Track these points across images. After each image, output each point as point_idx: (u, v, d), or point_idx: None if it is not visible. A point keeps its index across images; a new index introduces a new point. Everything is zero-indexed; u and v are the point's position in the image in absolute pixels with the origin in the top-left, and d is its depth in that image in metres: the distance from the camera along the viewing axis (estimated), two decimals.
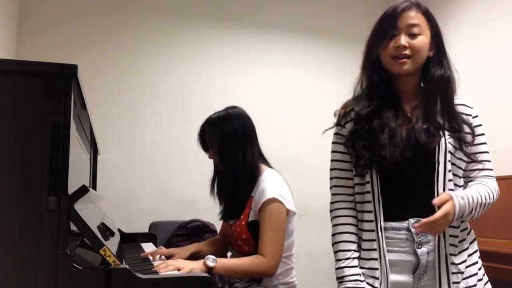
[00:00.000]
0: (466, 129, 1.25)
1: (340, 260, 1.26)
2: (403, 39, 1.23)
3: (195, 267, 1.46)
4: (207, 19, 3.41)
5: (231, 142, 1.69)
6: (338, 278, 1.26)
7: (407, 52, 1.23)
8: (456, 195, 1.17)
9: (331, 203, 1.34)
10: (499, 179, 1.31)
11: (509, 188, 2.33)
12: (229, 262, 1.59)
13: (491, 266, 2.18)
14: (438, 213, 1.13)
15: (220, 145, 1.71)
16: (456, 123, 1.24)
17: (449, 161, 1.22)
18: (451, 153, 1.23)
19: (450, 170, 1.22)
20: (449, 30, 3.16)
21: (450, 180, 1.23)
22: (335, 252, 1.29)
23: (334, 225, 1.32)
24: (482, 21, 3.07)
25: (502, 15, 2.93)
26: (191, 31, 3.36)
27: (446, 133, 1.23)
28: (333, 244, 1.30)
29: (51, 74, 1.17)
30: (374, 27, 1.30)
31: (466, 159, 1.26)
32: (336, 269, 1.27)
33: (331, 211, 1.34)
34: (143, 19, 3.24)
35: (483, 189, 1.24)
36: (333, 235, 1.31)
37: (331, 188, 1.35)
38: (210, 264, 1.48)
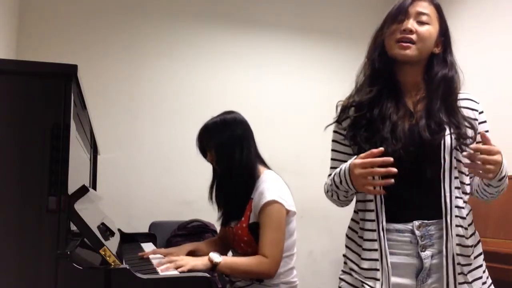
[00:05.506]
0: (467, 125, 1.22)
1: (332, 177, 1.25)
2: (411, 24, 1.22)
3: (197, 264, 1.47)
4: (207, 19, 3.41)
5: (228, 147, 1.71)
6: (335, 185, 1.23)
7: (413, 37, 1.21)
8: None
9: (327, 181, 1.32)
10: None
11: (509, 188, 2.32)
12: (232, 260, 1.61)
13: (491, 266, 2.17)
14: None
15: (217, 149, 1.73)
16: (456, 120, 1.22)
17: (455, 157, 1.20)
18: (457, 149, 1.20)
19: (456, 167, 1.21)
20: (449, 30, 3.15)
21: (456, 178, 1.21)
22: (331, 185, 1.26)
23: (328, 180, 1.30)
24: (483, 20, 3.06)
25: (502, 15, 2.92)
26: (191, 31, 3.35)
27: (450, 130, 1.21)
28: (329, 186, 1.28)
29: (51, 74, 1.17)
30: (385, 16, 1.28)
31: None
32: (334, 183, 1.24)
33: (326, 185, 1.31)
34: (143, 19, 3.24)
35: None
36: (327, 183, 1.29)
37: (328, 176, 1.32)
38: (216, 259, 1.49)
